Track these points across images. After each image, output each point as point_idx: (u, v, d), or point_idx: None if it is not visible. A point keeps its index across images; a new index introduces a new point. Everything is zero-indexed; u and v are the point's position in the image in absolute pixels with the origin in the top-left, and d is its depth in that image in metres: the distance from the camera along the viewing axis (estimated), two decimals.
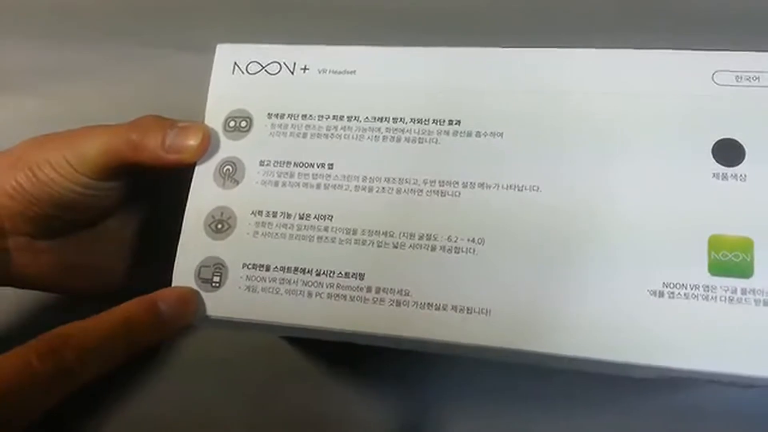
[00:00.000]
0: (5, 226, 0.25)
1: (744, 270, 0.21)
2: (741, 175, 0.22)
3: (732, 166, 0.22)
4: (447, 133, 0.24)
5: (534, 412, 0.31)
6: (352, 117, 0.25)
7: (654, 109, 0.23)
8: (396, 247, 0.23)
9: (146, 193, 0.29)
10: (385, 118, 0.25)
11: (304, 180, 0.24)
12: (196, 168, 0.25)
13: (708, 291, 0.21)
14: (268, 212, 0.24)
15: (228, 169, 0.25)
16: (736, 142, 0.22)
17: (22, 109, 0.39)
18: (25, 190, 0.25)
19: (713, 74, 0.23)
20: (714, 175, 0.22)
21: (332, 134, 0.25)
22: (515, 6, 0.33)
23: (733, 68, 0.23)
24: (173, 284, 0.24)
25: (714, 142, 0.22)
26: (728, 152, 0.22)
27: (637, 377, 0.27)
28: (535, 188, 0.23)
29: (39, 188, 0.25)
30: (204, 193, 0.25)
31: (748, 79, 0.23)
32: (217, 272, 0.24)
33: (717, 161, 0.22)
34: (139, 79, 0.39)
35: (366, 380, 0.33)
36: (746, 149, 0.22)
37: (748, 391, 0.28)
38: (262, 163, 0.25)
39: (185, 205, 0.25)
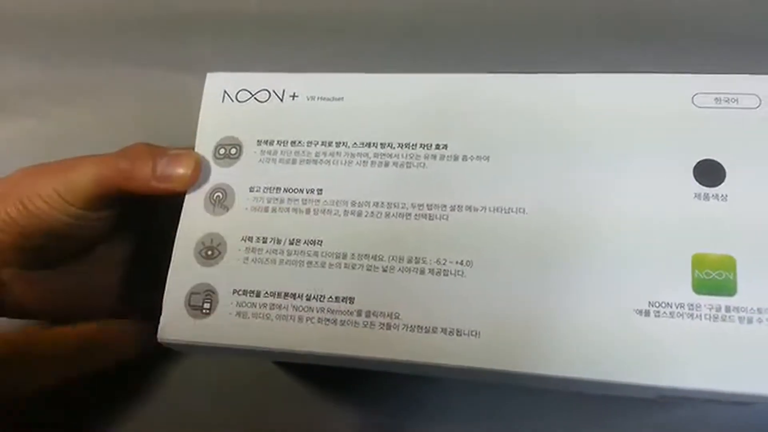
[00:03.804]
0: None
1: (728, 288, 0.21)
2: (722, 195, 0.22)
3: (713, 186, 0.22)
4: (434, 157, 0.24)
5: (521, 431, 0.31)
6: (340, 143, 0.25)
7: (636, 132, 0.23)
8: (385, 271, 0.23)
9: (137, 221, 0.29)
10: (373, 144, 0.25)
11: (294, 205, 0.25)
12: (187, 195, 0.25)
13: (693, 309, 0.21)
14: (258, 238, 0.24)
15: (218, 196, 0.25)
16: (717, 162, 0.23)
17: (17, 130, 0.39)
18: (15, 222, 0.25)
19: (693, 96, 0.23)
20: (695, 195, 0.22)
21: (321, 160, 0.25)
22: (499, 31, 0.34)
23: (713, 91, 0.23)
24: (163, 311, 0.24)
25: (695, 163, 0.23)
26: (709, 172, 0.22)
27: (626, 396, 0.27)
28: (521, 210, 0.23)
29: (30, 220, 0.25)
30: (194, 220, 0.25)
31: (727, 101, 0.23)
32: (208, 299, 0.24)
33: (698, 181, 0.22)
34: (134, 99, 0.39)
35: (355, 401, 0.33)
36: (726, 169, 0.22)
37: (735, 409, 0.28)
38: (252, 190, 0.25)
39: (176, 232, 0.25)
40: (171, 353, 0.34)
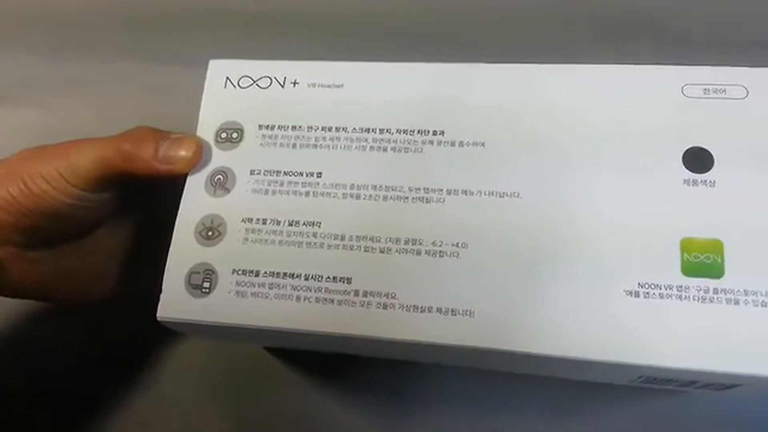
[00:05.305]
0: None
1: (715, 270, 0.22)
2: (710, 181, 0.23)
3: (701, 172, 0.23)
4: (431, 142, 0.25)
5: (512, 420, 0.32)
6: (340, 128, 0.26)
7: (628, 120, 0.24)
8: (383, 252, 0.24)
9: (138, 202, 0.30)
10: (372, 129, 0.26)
11: (294, 188, 0.25)
12: (188, 177, 0.26)
13: (681, 291, 0.22)
14: (258, 219, 0.25)
15: (219, 179, 0.26)
16: (705, 150, 0.23)
17: (18, 120, 0.40)
18: (17, 202, 0.25)
19: (683, 87, 0.24)
20: (685, 182, 0.23)
21: (321, 144, 0.26)
22: (496, 26, 0.35)
23: (701, 82, 0.24)
24: (163, 290, 0.25)
25: (684, 151, 0.23)
26: (698, 160, 0.23)
27: (615, 383, 0.27)
28: (515, 194, 0.24)
29: (32, 200, 0.25)
30: (195, 202, 0.26)
31: (715, 92, 0.24)
32: (207, 278, 0.24)
33: (687, 168, 0.23)
34: (134, 91, 0.39)
35: (348, 388, 0.33)
36: (714, 157, 0.23)
37: (717, 396, 0.29)
38: (252, 173, 0.26)
39: (176, 214, 0.26)
40: (164, 341, 0.35)
